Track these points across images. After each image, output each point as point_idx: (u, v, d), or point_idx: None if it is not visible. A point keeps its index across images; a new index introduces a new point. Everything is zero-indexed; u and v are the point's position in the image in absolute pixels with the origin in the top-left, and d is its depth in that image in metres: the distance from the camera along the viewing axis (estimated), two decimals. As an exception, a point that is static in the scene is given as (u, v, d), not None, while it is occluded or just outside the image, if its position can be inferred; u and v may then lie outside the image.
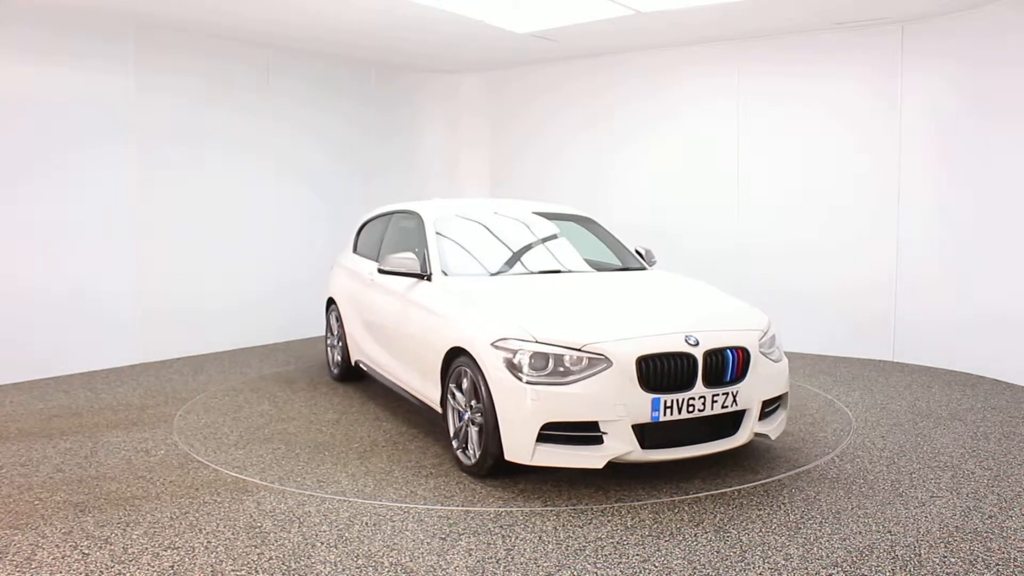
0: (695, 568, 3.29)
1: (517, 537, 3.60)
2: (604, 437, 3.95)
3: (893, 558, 3.37)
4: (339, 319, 6.66)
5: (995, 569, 3.27)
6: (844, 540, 3.55)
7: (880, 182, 7.56)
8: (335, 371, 6.81)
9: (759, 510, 3.90)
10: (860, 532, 3.64)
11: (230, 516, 3.85)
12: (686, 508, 3.93)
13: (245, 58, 8.34)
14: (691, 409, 4.05)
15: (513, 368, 4.04)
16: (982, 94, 6.86)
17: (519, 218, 5.87)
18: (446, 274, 5.09)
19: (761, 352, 4.38)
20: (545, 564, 3.33)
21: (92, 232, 7.21)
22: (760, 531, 3.65)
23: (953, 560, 3.35)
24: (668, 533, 3.64)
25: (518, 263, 5.34)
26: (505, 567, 3.30)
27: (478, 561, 3.35)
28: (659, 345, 4.06)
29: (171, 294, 7.79)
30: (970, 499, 4.04)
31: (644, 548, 3.48)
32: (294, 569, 3.29)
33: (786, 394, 4.61)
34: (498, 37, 8.07)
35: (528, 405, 3.96)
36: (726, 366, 4.18)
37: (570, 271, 5.33)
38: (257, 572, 3.27)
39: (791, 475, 4.42)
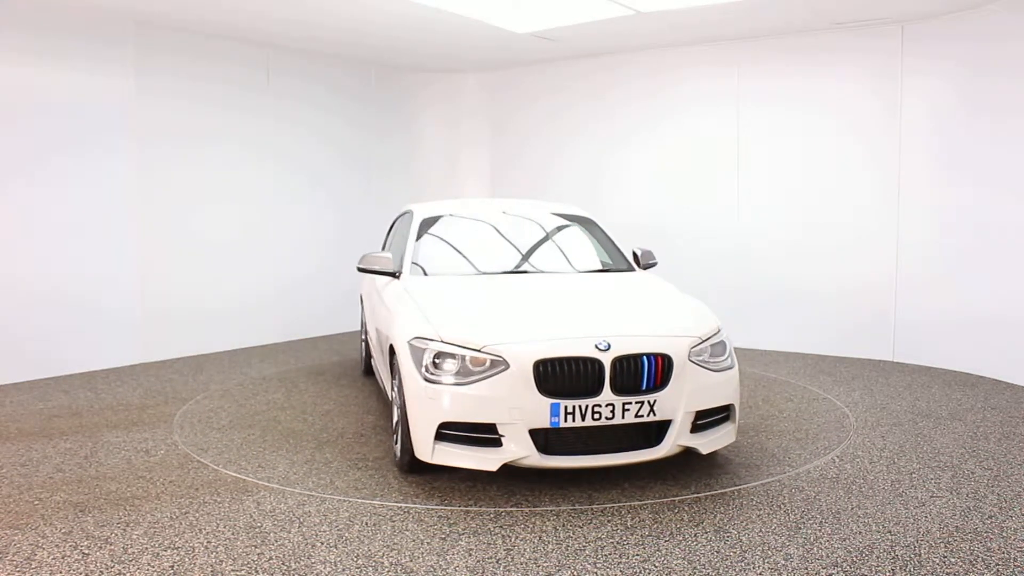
0: (695, 568, 3.29)
1: (517, 537, 3.60)
2: (502, 440, 3.90)
3: (893, 558, 3.37)
4: (362, 316, 6.95)
5: (995, 569, 3.27)
6: (844, 540, 3.55)
7: (880, 182, 7.56)
8: (363, 366, 7.13)
9: (759, 510, 3.90)
10: (860, 532, 3.64)
11: (230, 516, 3.85)
12: (686, 508, 3.93)
13: (245, 58, 8.34)
14: (597, 416, 3.88)
15: (420, 366, 4.08)
16: (982, 94, 6.86)
17: (519, 219, 5.86)
18: (416, 273, 5.22)
19: (693, 360, 4.12)
20: (545, 564, 3.33)
21: (92, 232, 7.21)
22: (760, 531, 3.65)
23: (953, 560, 3.35)
24: (668, 533, 3.64)
25: (490, 263, 5.32)
26: (505, 567, 3.30)
27: (478, 561, 3.35)
28: (562, 349, 3.93)
29: (171, 294, 7.79)
30: (970, 499, 4.04)
31: (644, 548, 3.48)
32: (294, 569, 3.29)
33: (732, 406, 4.33)
34: (498, 37, 8.07)
35: (427, 403, 4.00)
36: (641, 373, 3.98)
37: (540, 272, 5.27)
38: (257, 572, 3.27)
39: (791, 475, 4.42)
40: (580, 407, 3.87)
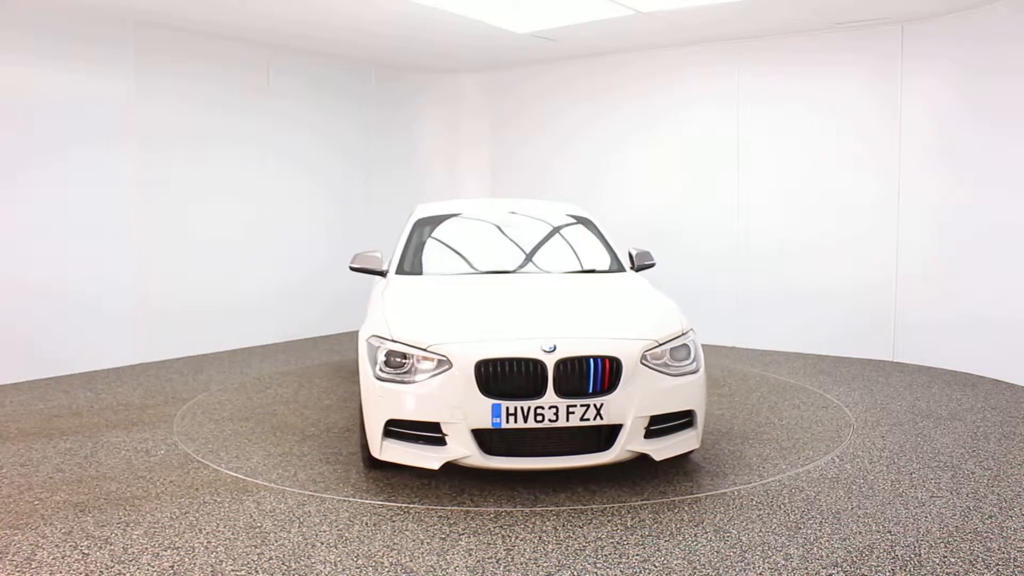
0: (695, 568, 3.29)
1: (517, 537, 3.60)
2: (446, 439, 3.92)
3: (893, 558, 3.37)
4: None
5: (995, 569, 3.27)
6: (844, 540, 3.55)
7: (880, 182, 7.56)
8: None
9: (759, 510, 3.90)
10: (860, 532, 3.64)
11: (230, 516, 3.85)
12: (686, 508, 3.93)
13: (245, 58, 8.34)
14: (540, 419, 3.85)
15: (374, 364, 4.15)
16: (982, 94, 6.86)
17: (512, 219, 5.87)
18: (401, 272, 5.28)
19: (646, 364, 4.04)
20: (545, 564, 3.33)
21: (92, 233, 7.21)
22: (760, 531, 3.65)
23: (953, 560, 3.35)
24: (668, 533, 3.64)
25: (476, 264, 5.36)
26: (505, 567, 3.30)
27: (478, 561, 3.35)
28: (505, 350, 3.93)
29: (171, 294, 7.79)
30: (970, 499, 4.04)
31: (644, 548, 3.48)
32: (294, 569, 3.29)
33: (692, 411, 4.20)
34: (498, 37, 8.07)
35: (378, 401, 4.07)
36: (587, 376, 3.94)
37: (523, 273, 5.26)
38: (257, 572, 3.27)
39: (791, 475, 4.41)
40: (522, 408, 3.85)
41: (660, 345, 4.15)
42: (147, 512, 3.90)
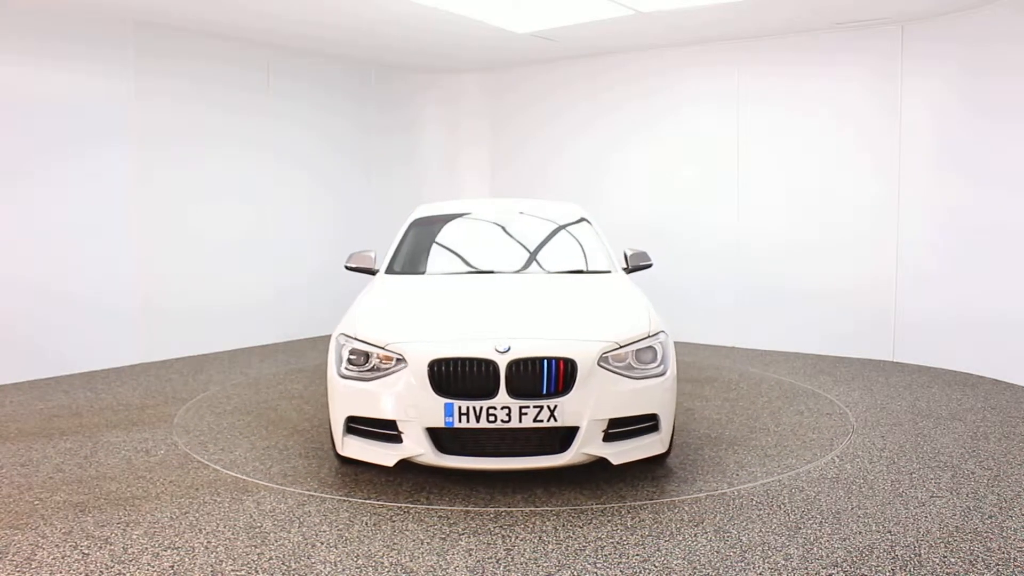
0: (695, 568, 3.29)
1: (517, 537, 3.60)
2: (402, 436, 3.98)
3: (893, 558, 3.37)
4: None
5: (995, 569, 3.27)
6: (844, 540, 3.55)
7: (880, 182, 7.56)
8: None
9: (759, 510, 3.90)
10: (860, 532, 3.64)
11: (230, 516, 3.85)
12: (686, 508, 3.93)
13: (245, 58, 8.34)
14: (492, 419, 3.85)
15: (339, 362, 4.23)
16: (982, 94, 6.86)
17: (506, 218, 5.88)
18: (390, 272, 5.38)
19: (605, 366, 4.00)
20: (545, 564, 3.33)
21: (92, 233, 7.21)
22: (760, 531, 3.65)
23: (953, 560, 3.35)
24: (668, 533, 3.64)
25: (462, 263, 5.40)
26: (505, 567, 3.30)
27: (478, 561, 3.35)
28: (459, 349, 3.95)
29: (171, 294, 7.79)
30: (970, 499, 4.04)
31: (644, 548, 3.48)
32: (294, 569, 3.29)
33: (655, 415, 4.12)
34: (498, 37, 8.07)
35: (340, 398, 4.16)
36: (541, 378, 3.92)
37: (507, 273, 5.24)
38: (257, 572, 3.27)
39: (791, 475, 4.41)
40: (474, 408, 3.86)
41: (621, 347, 4.09)
42: (147, 512, 3.90)
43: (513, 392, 3.88)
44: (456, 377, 3.92)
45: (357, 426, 4.13)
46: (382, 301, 4.77)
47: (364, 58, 9.29)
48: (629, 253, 5.61)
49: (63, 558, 3.40)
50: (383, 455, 4.05)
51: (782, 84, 8.01)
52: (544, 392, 3.91)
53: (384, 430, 4.04)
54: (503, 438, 3.96)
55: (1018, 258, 6.58)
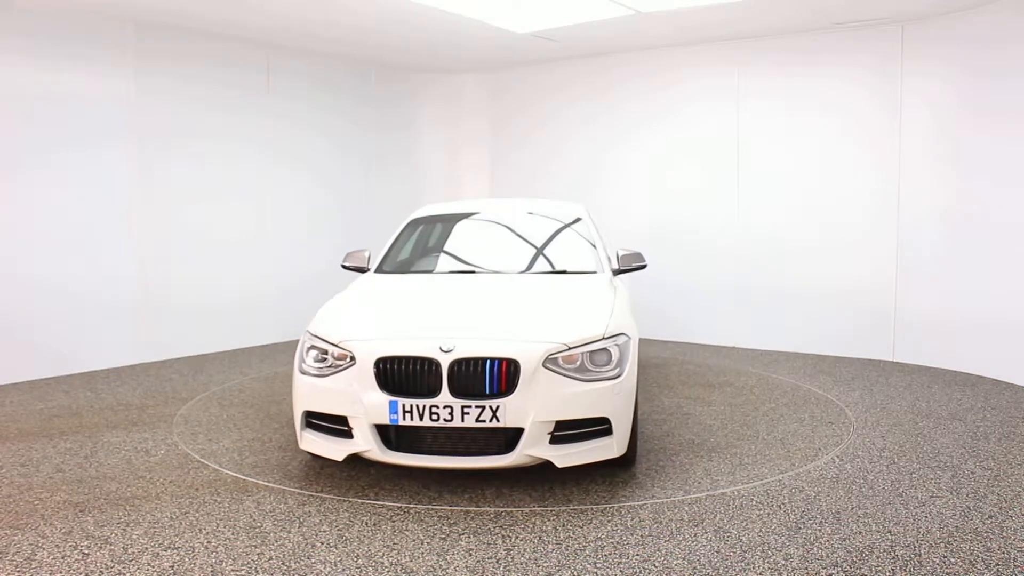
0: (695, 568, 3.29)
1: (517, 537, 3.60)
2: (353, 432, 4.06)
3: (893, 558, 3.37)
4: None
5: (995, 569, 3.27)
6: (844, 540, 3.55)
7: (880, 182, 7.56)
8: None
9: (759, 510, 3.90)
10: (860, 532, 3.64)
11: (230, 516, 3.85)
12: (686, 508, 3.93)
13: (245, 58, 8.34)
14: (435, 417, 3.89)
15: (301, 359, 4.33)
16: (982, 94, 6.86)
17: (502, 218, 5.90)
18: (379, 271, 5.49)
19: (551, 367, 3.96)
20: (545, 564, 3.33)
21: (93, 233, 7.21)
22: (760, 531, 3.65)
23: (953, 560, 3.35)
24: (668, 533, 3.64)
25: (443, 263, 5.54)
26: (505, 567, 3.30)
27: (478, 561, 3.35)
28: (404, 348, 4.00)
29: (171, 294, 7.79)
30: (970, 499, 4.04)
31: (644, 548, 3.48)
32: (294, 569, 3.29)
33: (606, 419, 4.03)
34: (498, 37, 8.07)
35: (299, 393, 4.26)
36: (484, 378, 3.92)
37: (487, 272, 5.26)
38: (257, 572, 3.27)
39: (791, 475, 4.42)
40: (418, 406, 3.91)
41: (570, 349, 4.05)
42: (147, 512, 3.90)
43: (456, 391, 3.92)
44: (401, 375, 3.98)
45: (314, 421, 4.24)
46: (351, 300, 4.85)
47: (364, 58, 9.29)
48: (621, 254, 5.54)
49: (63, 558, 3.40)
50: (335, 450, 4.13)
51: (782, 84, 8.01)
52: (487, 392, 3.92)
53: (337, 425, 4.14)
54: (449, 437, 4.01)
55: (1018, 258, 6.58)
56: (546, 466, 4.10)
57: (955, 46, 7.05)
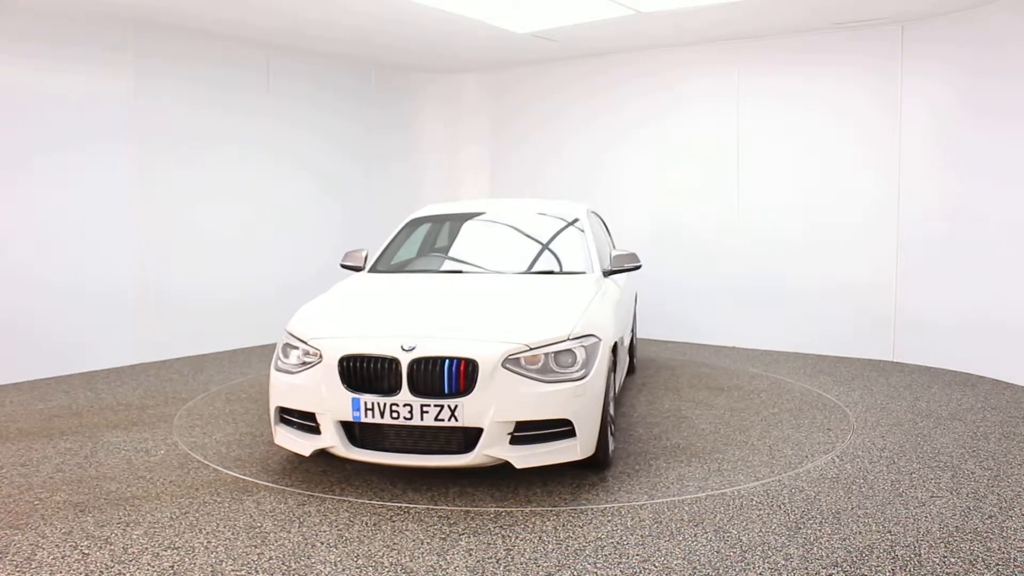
0: (695, 568, 3.29)
1: (517, 537, 3.60)
2: (320, 428, 4.14)
3: (893, 558, 3.37)
4: None
5: (995, 569, 3.27)
6: (844, 540, 3.55)
7: (880, 182, 7.56)
8: None
9: (759, 510, 3.90)
10: (860, 532, 3.64)
11: (230, 516, 3.85)
12: (686, 508, 3.93)
13: (245, 58, 8.34)
14: (395, 415, 3.95)
15: (277, 356, 4.44)
16: (982, 94, 6.86)
17: (500, 218, 5.92)
18: (374, 270, 5.57)
19: (511, 368, 3.95)
20: (545, 564, 3.33)
21: (93, 233, 7.21)
22: (760, 531, 3.65)
23: (953, 560, 3.35)
24: (668, 533, 3.64)
25: (434, 263, 5.66)
26: (505, 567, 3.30)
27: (478, 561, 3.35)
28: (367, 347, 4.07)
29: (171, 294, 7.79)
30: (970, 499, 4.04)
31: (644, 548, 3.48)
32: (294, 569, 3.29)
33: (568, 420, 4.00)
34: (498, 37, 8.07)
35: (272, 389, 4.36)
36: (443, 377, 3.93)
37: (477, 272, 5.29)
38: (257, 572, 3.27)
39: (791, 475, 4.41)
40: (379, 404, 3.98)
41: (532, 350, 4.03)
42: (147, 512, 3.90)
43: (416, 390, 3.96)
44: (363, 373, 4.04)
45: (287, 416, 4.34)
46: (331, 299, 4.90)
47: (364, 58, 9.29)
48: (613, 254, 5.50)
49: (63, 558, 3.40)
50: (303, 445, 4.22)
51: (782, 84, 8.01)
52: (446, 392, 3.95)
53: (305, 421, 4.22)
54: (411, 435, 4.05)
55: (1018, 258, 6.58)
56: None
57: (955, 46, 7.05)
